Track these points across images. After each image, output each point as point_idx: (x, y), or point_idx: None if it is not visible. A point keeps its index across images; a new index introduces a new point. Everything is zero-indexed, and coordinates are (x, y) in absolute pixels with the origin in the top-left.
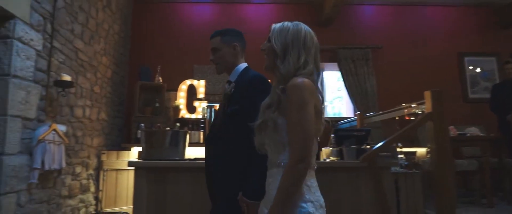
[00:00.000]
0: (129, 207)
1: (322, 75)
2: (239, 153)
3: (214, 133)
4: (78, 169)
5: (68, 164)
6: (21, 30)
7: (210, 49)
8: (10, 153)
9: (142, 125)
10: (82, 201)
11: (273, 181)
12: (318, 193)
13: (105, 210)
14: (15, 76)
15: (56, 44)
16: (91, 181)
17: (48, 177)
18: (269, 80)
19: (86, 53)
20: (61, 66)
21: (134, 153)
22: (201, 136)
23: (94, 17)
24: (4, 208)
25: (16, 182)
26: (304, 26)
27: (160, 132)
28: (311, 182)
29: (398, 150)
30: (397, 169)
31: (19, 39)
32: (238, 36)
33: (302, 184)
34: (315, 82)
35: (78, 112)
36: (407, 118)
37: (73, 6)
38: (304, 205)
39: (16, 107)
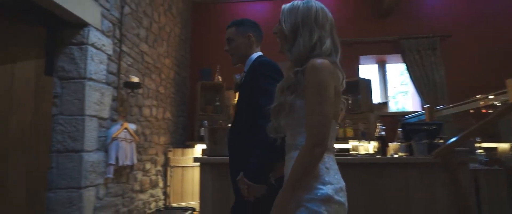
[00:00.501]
0: (195, 202)
1: (386, 69)
2: (246, 149)
3: (231, 128)
4: (148, 166)
5: (138, 160)
6: (94, 36)
7: (225, 40)
8: (88, 150)
9: (205, 122)
10: (152, 195)
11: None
12: (339, 176)
13: (173, 204)
14: (91, 79)
15: (124, 48)
16: (159, 177)
17: (122, 173)
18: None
19: (150, 56)
20: (129, 69)
21: (198, 150)
22: None
23: (156, 21)
24: (86, 200)
25: (95, 176)
26: (315, 3)
27: (223, 129)
28: (331, 165)
29: (477, 145)
30: (477, 165)
31: (93, 45)
32: (253, 26)
33: (316, 168)
34: (334, 62)
35: (146, 111)
36: (484, 111)
37: (138, 12)
38: (322, 187)
39: (92, 107)
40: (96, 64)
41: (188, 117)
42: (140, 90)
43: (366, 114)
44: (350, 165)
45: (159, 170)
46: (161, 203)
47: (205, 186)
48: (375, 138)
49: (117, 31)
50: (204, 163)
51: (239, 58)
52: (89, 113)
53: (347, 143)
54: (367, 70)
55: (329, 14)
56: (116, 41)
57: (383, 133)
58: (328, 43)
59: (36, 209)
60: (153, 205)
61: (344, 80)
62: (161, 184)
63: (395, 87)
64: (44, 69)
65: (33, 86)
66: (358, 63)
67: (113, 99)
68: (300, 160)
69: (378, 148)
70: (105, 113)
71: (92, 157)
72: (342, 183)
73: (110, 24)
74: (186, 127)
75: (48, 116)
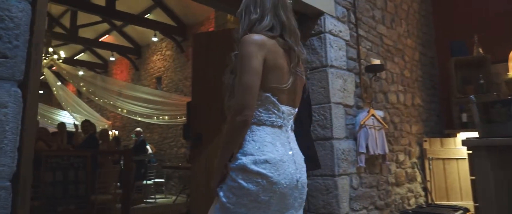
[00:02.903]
0: (466, 202)
1: None
2: None
3: None
4: (401, 157)
5: (390, 150)
6: (330, 23)
7: None
8: (338, 138)
9: (472, 96)
10: (410, 190)
11: None
12: (268, 149)
13: (438, 202)
14: (332, 67)
15: (361, 32)
16: (416, 170)
17: (374, 163)
18: None
19: (390, 37)
20: (369, 53)
21: (460, 140)
22: None
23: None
24: (341, 188)
25: (347, 165)
26: None
27: (504, 101)
28: (261, 137)
29: None
30: None
31: (330, 32)
32: None
33: (240, 136)
34: (274, 37)
35: (392, 97)
36: None
37: None
38: (241, 157)
39: (337, 94)
40: (335, 51)
41: (441, 101)
42: (383, 75)
43: None
44: None
45: (414, 162)
46: (422, 200)
47: (483, 179)
48: None
49: (352, 16)
50: (477, 147)
51: None
52: (334, 100)
53: None
54: None
55: None
56: (351, 26)
57: None
58: (267, 19)
59: None
60: (412, 201)
61: (297, 55)
62: (419, 178)
63: None
64: None
65: None
66: None
67: (356, 86)
68: (225, 130)
69: None
70: (350, 100)
71: (342, 145)
72: (270, 155)
73: (344, 10)
74: (441, 113)
75: None
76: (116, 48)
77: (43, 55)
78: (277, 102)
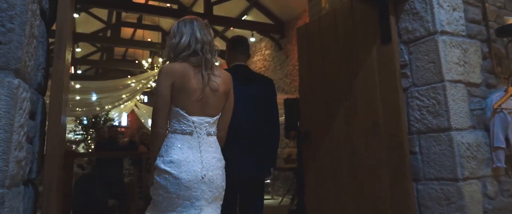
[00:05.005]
0: None
1: None
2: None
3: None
4: None
5: None
6: None
7: None
8: (459, 128)
9: None
10: None
11: None
12: (174, 152)
13: None
14: (444, 33)
15: None
16: None
17: None
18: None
19: None
20: (501, 12)
21: None
22: None
23: None
24: (468, 197)
25: (476, 165)
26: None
27: None
28: (171, 143)
29: None
30: None
31: None
32: (229, 44)
33: (156, 144)
34: (184, 57)
35: None
36: None
37: None
38: (158, 158)
39: (453, 70)
40: (447, 12)
41: None
42: None
43: None
44: None
45: None
46: None
47: None
48: None
49: None
50: None
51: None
52: (449, 77)
53: None
54: None
55: (189, 22)
56: None
57: None
58: (184, 38)
59: (402, 202)
60: None
61: (210, 61)
62: None
63: None
64: (380, 39)
65: (375, 62)
66: None
67: (484, 58)
68: None
69: None
70: (475, 77)
71: (466, 137)
72: (174, 157)
73: None
74: None
75: (397, 90)
76: (219, 53)
77: (155, 65)
78: (185, 114)
